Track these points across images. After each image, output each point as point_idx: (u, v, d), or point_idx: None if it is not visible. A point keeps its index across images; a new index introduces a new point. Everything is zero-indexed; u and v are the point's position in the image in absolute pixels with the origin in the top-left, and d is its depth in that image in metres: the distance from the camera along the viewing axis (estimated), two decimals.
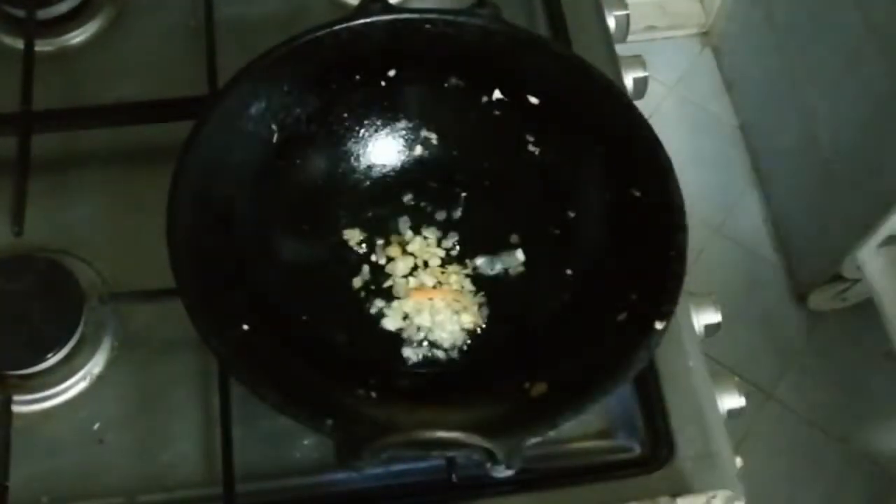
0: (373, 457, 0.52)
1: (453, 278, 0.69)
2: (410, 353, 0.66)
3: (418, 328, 0.67)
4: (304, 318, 0.66)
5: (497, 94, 0.70)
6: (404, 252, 0.70)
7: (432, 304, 0.68)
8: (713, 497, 0.63)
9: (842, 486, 1.48)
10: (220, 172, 0.63)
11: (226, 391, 0.63)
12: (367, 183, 0.72)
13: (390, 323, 0.67)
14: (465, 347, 0.67)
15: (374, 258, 0.70)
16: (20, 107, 0.72)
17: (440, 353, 0.66)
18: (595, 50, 0.79)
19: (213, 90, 0.72)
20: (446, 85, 0.70)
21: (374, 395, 0.62)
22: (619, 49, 0.82)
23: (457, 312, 0.68)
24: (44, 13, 0.78)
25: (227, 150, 0.64)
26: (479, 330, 0.67)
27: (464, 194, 0.72)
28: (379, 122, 0.72)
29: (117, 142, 0.74)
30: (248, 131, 0.66)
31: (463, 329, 0.67)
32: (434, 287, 0.69)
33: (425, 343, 0.67)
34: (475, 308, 0.68)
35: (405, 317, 0.67)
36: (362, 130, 0.71)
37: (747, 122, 1.76)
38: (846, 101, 1.40)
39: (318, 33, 0.66)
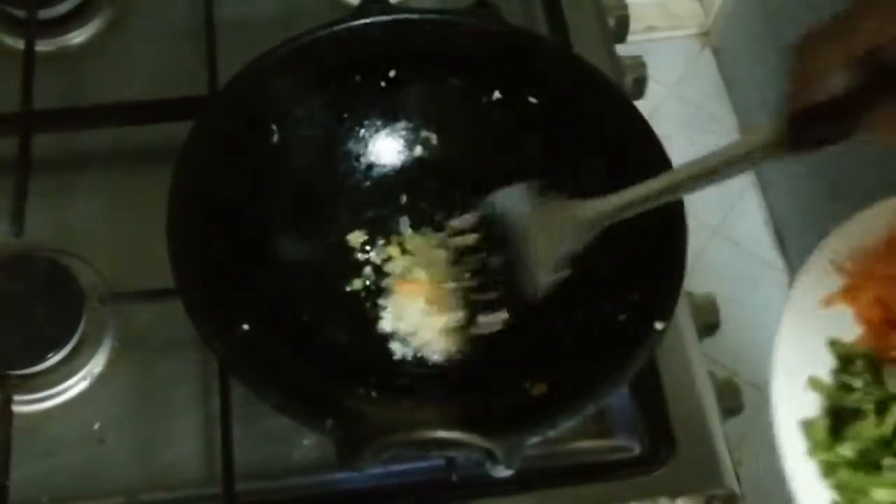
0: (373, 457, 0.52)
1: (454, 278, 0.69)
2: (410, 353, 0.67)
3: (418, 328, 0.67)
4: (304, 317, 0.66)
5: (497, 95, 0.70)
6: (404, 252, 0.70)
7: (433, 303, 0.68)
8: (712, 496, 0.64)
9: None
10: (220, 173, 0.63)
11: (226, 391, 0.63)
12: (368, 183, 0.72)
13: (390, 323, 0.67)
14: (465, 347, 0.67)
15: (373, 258, 0.70)
16: (21, 107, 0.72)
17: (440, 353, 0.67)
18: (595, 50, 0.79)
19: (213, 90, 0.73)
20: (446, 85, 0.70)
21: (374, 394, 0.62)
22: (619, 49, 0.82)
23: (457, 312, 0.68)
24: (45, 13, 0.78)
25: (227, 150, 0.64)
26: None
27: (463, 194, 0.72)
28: (379, 123, 0.72)
29: (118, 142, 0.74)
30: (249, 132, 0.66)
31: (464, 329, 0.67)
32: (434, 286, 0.69)
33: (425, 343, 0.67)
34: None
35: (405, 317, 0.68)
36: (362, 131, 0.71)
37: (747, 122, 1.76)
38: None
39: (318, 34, 0.66)
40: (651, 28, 1.84)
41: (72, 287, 0.66)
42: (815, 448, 0.60)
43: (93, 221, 0.71)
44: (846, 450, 0.59)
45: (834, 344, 0.64)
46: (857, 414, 0.61)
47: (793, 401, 0.62)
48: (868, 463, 0.59)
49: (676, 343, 0.68)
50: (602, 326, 0.62)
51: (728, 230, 1.67)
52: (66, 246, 0.70)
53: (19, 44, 0.76)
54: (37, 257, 0.67)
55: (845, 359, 0.64)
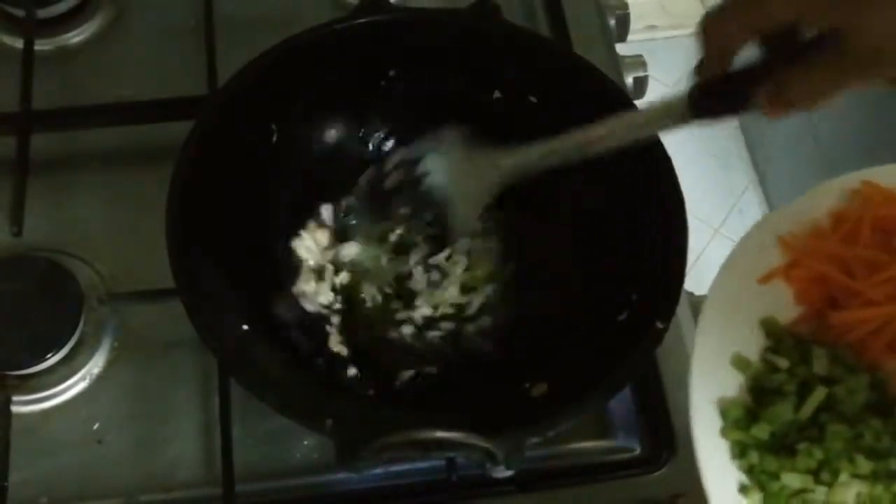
0: (373, 457, 0.51)
1: (455, 277, 0.69)
2: (412, 353, 0.66)
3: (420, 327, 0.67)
4: (304, 317, 0.66)
5: (497, 95, 0.70)
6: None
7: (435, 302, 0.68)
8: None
9: None
10: (219, 172, 0.63)
11: (225, 391, 0.63)
12: (367, 182, 0.72)
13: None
14: (466, 347, 0.67)
15: None
16: (19, 106, 0.72)
17: (441, 354, 0.66)
18: (595, 49, 0.79)
19: (212, 90, 0.72)
20: (446, 85, 0.70)
21: (373, 394, 0.62)
22: (620, 48, 0.82)
23: (460, 312, 0.68)
24: (43, 12, 0.78)
25: (226, 149, 0.64)
26: (480, 329, 0.67)
27: None
28: (378, 122, 0.71)
29: (117, 141, 0.74)
30: (248, 131, 0.66)
31: (466, 328, 0.67)
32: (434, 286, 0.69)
33: (427, 342, 0.67)
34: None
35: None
36: (362, 130, 0.71)
37: (748, 120, 1.76)
38: (847, 99, 1.39)
39: (318, 33, 0.66)
40: (652, 27, 1.84)
41: (71, 287, 0.66)
42: (729, 427, 0.58)
43: (92, 221, 0.71)
44: (760, 431, 0.58)
45: (766, 322, 0.62)
46: (778, 395, 0.59)
47: (713, 378, 0.60)
48: (782, 447, 0.58)
49: (677, 343, 0.68)
50: (602, 326, 0.62)
51: (729, 229, 1.67)
52: (65, 246, 0.69)
53: (18, 43, 0.76)
54: (36, 257, 0.67)
55: (776, 338, 0.62)
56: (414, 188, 0.67)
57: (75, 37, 0.79)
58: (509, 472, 0.53)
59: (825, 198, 0.65)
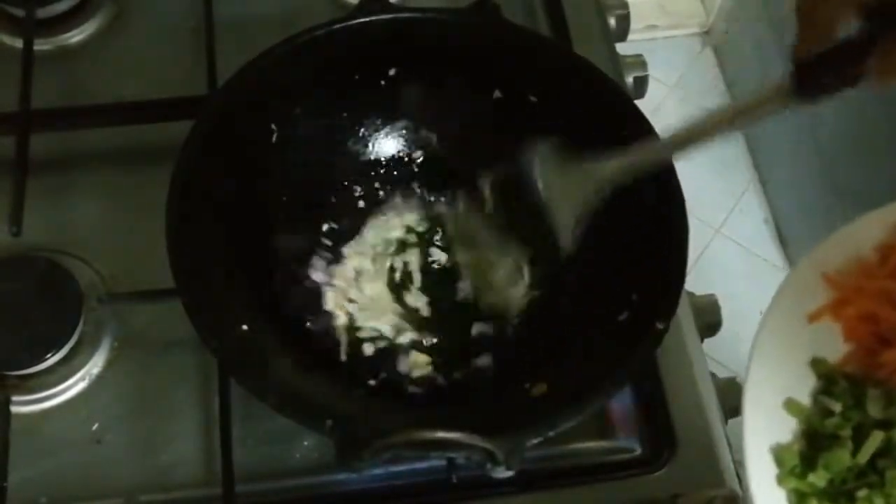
0: (373, 457, 0.51)
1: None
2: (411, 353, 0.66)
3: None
4: (304, 317, 0.66)
5: (497, 94, 0.70)
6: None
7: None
8: (713, 497, 0.63)
9: None
10: (219, 172, 0.63)
11: (225, 391, 0.63)
12: (367, 182, 0.72)
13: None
14: (465, 347, 0.67)
15: None
16: (19, 106, 0.72)
17: (441, 353, 0.66)
18: (595, 49, 0.79)
19: (212, 90, 0.72)
20: (446, 84, 0.70)
21: (373, 395, 0.62)
22: (620, 48, 0.82)
23: None
24: (43, 12, 0.78)
25: (226, 149, 0.64)
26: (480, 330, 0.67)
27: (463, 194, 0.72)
28: (378, 122, 0.71)
29: (116, 141, 0.74)
30: (248, 131, 0.66)
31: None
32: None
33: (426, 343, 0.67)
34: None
35: None
36: (362, 130, 0.71)
37: None
38: (847, 100, 1.39)
39: (318, 32, 0.66)
40: (652, 27, 1.84)
41: (70, 287, 0.66)
42: (785, 475, 0.57)
43: (91, 221, 0.71)
44: (818, 479, 0.56)
45: (816, 363, 0.60)
46: (833, 440, 0.57)
47: (766, 423, 0.58)
48: (841, 493, 0.56)
49: (677, 343, 0.68)
50: (602, 326, 0.62)
51: (729, 230, 1.67)
52: (65, 246, 0.69)
53: (17, 43, 0.76)
54: (35, 257, 0.67)
55: (827, 379, 0.60)
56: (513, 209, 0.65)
57: (75, 37, 0.79)
58: (509, 473, 0.52)
59: (868, 231, 0.64)
